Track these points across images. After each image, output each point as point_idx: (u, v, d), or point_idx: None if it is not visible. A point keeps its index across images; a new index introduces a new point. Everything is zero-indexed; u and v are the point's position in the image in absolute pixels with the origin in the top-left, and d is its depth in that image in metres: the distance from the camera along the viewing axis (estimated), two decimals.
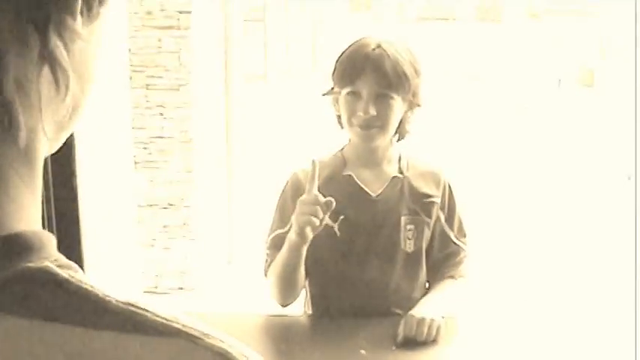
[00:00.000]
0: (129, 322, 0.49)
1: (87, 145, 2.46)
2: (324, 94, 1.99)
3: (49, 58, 0.50)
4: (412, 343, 1.78)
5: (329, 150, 2.07)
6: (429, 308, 1.88)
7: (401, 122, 1.96)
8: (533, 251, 5.71)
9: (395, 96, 1.87)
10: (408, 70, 1.88)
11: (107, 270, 3.28)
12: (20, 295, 0.48)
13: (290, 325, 1.98)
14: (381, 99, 1.87)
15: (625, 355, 1.76)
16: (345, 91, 1.90)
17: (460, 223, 2.07)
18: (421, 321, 1.80)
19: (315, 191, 1.78)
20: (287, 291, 1.95)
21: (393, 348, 1.76)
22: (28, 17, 0.48)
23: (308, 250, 1.84)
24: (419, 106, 1.97)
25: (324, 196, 1.91)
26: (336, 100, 1.96)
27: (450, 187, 2.04)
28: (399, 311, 1.93)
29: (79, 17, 0.51)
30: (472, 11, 21.63)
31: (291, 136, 10.42)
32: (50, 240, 0.53)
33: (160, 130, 4.42)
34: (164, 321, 0.49)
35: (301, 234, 1.76)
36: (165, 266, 4.54)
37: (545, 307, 4.52)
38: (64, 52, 0.50)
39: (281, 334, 1.95)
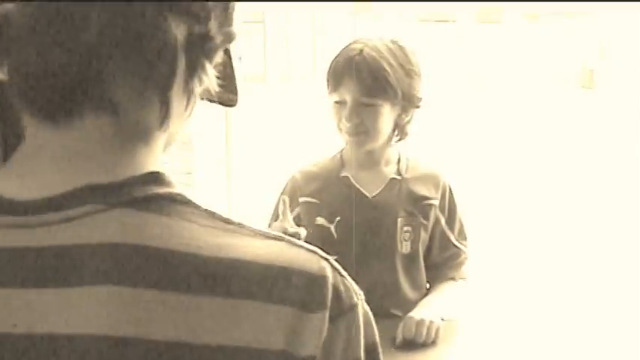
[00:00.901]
0: (241, 229, 0.67)
1: None
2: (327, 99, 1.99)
3: (188, 90, 0.70)
4: (411, 344, 1.78)
5: (328, 151, 2.08)
6: (428, 310, 1.88)
7: (397, 124, 1.95)
8: (534, 253, 5.71)
9: (380, 102, 1.87)
10: (393, 75, 1.87)
11: None
12: (162, 208, 0.65)
13: None
14: (366, 106, 1.87)
15: (628, 357, 1.76)
16: (332, 98, 1.91)
17: (461, 225, 2.07)
18: (420, 323, 1.80)
19: (286, 223, 1.77)
20: None
21: (392, 350, 1.76)
22: (186, 62, 0.68)
23: None
24: (417, 107, 1.96)
25: (323, 198, 1.92)
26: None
27: (450, 189, 2.04)
28: (397, 313, 1.93)
29: (207, 72, 0.71)
30: (472, 13, 21.63)
31: (290, 137, 10.42)
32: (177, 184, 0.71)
33: None
34: (266, 231, 0.68)
35: None
36: None
37: (545, 309, 4.52)
38: (199, 87, 0.70)
39: None
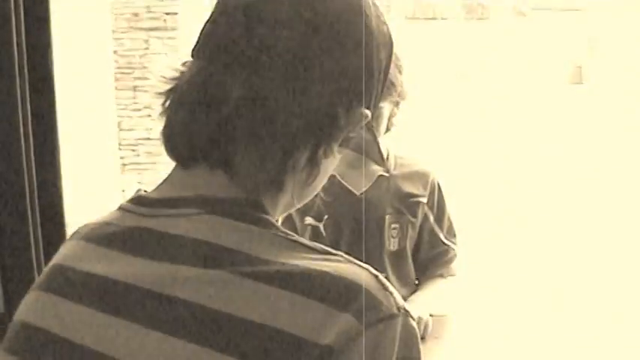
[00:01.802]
0: (308, 244, 0.77)
1: (72, 149, 2.46)
2: None
3: (312, 163, 0.81)
4: None
5: None
6: (416, 306, 1.88)
7: (389, 119, 1.96)
8: (522, 250, 5.72)
9: (383, 105, 1.88)
10: (394, 75, 1.87)
11: None
12: (254, 220, 0.77)
13: None
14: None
15: (618, 352, 1.77)
16: None
17: (450, 223, 2.07)
18: None
19: None
20: None
21: None
22: (314, 140, 0.80)
23: None
24: (403, 99, 1.97)
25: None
26: None
27: (438, 187, 2.04)
28: None
29: (336, 147, 0.82)
30: (459, 10, 21.64)
31: None
32: (274, 216, 0.82)
33: (147, 132, 4.42)
34: (322, 246, 0.77)
35: None
36: None
37: (535, 305, 4.53)
38: (322, 162, 0.81)
39: None
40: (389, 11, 21.35)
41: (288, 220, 2.00)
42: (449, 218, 2.07)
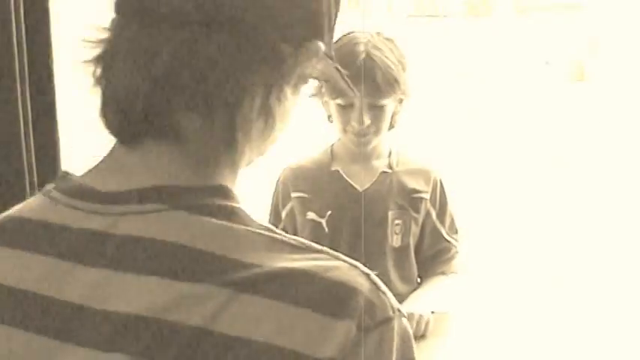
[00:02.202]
0: (298, 243, 0.70)
1: (72, 148, 2.46)
2: (310, 96, 1.98)
3: (265, 112, 0.74)
4: None
5: (320, 147, 2.07)
6: (418, 304, 1.88)
7: (392, 117, 1.96)
8: (524, 247, 5.72)
9: (387, 102, 1.88)
10: (398, 73, 1.87)
11: None
12: (226, 213, 0.70)
13: None
14: (374, 107, 1.86)
15: (618, 348, 1.77)
16: (336, 101, 1.89)
17: (452, 219, 2.07)
18: (410, 316, 1.80)
19: None
20: None
21: None
22: (258, 82, 0.72)
23: None
24: (407, 97, 1.97)
25: (314, 192, 1.93)
26: (325, 102, 1.95)
27: (440, 183, 2.04)
28: None
29: (290, 88, 0.76)
30: (461, 7, 21.64)
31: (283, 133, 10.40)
32: (239, 200, 0.74)
33: None
34: (315, 245, 0.71)
35: None
36: None
37: (536, 302, 4.53)
38: (276, 108, 0.75)
39: None
40: (390, 9, 21.35)
41: (290, 214, 2.00)
42: (451, 215, 2.07)
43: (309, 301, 0.64)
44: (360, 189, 1.97)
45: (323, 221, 1.94)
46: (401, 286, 2.00)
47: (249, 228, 0.70)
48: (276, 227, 1.96)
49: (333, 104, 1.91)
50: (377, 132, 1.90)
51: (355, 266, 0.69)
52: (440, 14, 21.84)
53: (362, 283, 0.67)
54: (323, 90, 1.91)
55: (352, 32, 1.93)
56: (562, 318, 1.96)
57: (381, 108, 1.87)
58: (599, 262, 5.25)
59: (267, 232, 0.70)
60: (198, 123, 0.71)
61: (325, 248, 0.70)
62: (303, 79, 0.78)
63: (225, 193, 0.72)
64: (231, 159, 0.75)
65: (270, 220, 2.03)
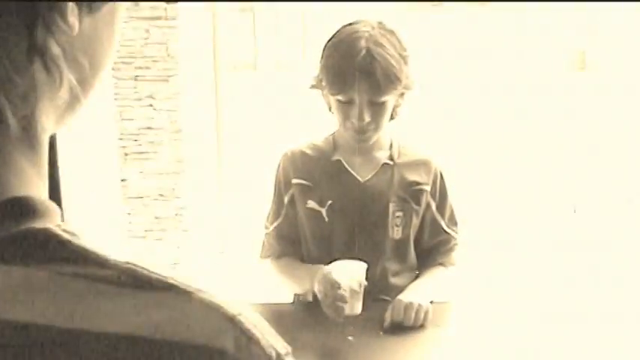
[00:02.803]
0: (127, 277, 0.52)
1: (70, 138, 2.46)
2: (311, 87, 1.97)
3: (39, 52, 0.53)
4: (400, 328, 1.79)
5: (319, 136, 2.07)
6: (417, 293, 1.88)
7: (394, 109, 1.95)
8: (525, 238, 5.72)
9: (388, 98, 1.87)
10: (399, 68, 1.85)
11: None
12: (22, 253, 0.51)
13: (278, 312, 1.99)
14: (375, 104, 1.85)
15: (621, 344, 1.77)
16: (336, 97, 1.88)
17: (451, 211, 2.07)
18: (409, 306, 1.81)
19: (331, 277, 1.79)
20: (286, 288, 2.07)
21: (381, 333, 1.77)
22: (17, 16, 0.52)
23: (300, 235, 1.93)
24: (410, 90, 1.96)
25: (315, 181, 1.92)
26: (325, 95, 1.94)
27: (441, 174, 2.04)
28: (386, 297, 1.93)
29: (72, 12, 0.54)
30: None
31: (281, 124, 10.40)
32: (56, 209, 0.56)
33: (149, 121, 4.41)
34: (159, 277, 0.53)
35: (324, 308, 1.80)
36: (157, 257, 4.55)
37: (536, 294, 4.54)
38: (56, 46, 0.54)
39: (269, 322, 1.95)
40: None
41: (292, 201, 1.98)
42: (451, 207, 2.07)
43: None
44: (361, 180, 1.97)
45: (323, 210, 1.93)
46: (400, 278, 2.00)
47: (64, 267, 0.51)
48: (279, 213, 1.98)
49: (333, 100, 1.90)
50: (377, 128, 1.89)
51: (217, 308, 0.52)
52: (440, 3, 21.77)
53: (226, 341, 0.51)
54: (323, 83, 1.90)
55: (353, 23, 1.92)
56: (562, 309, 1.95)
57: (382, 105, 1.86)
58: (603, 253, 5.25)
59: (92, 269, 0.52)
60: None
61: (183, 284, 0.53)
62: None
63: (26, 206, 0.53)
64: (18, 135, 0.55)
65: (273, 205, 2.03)
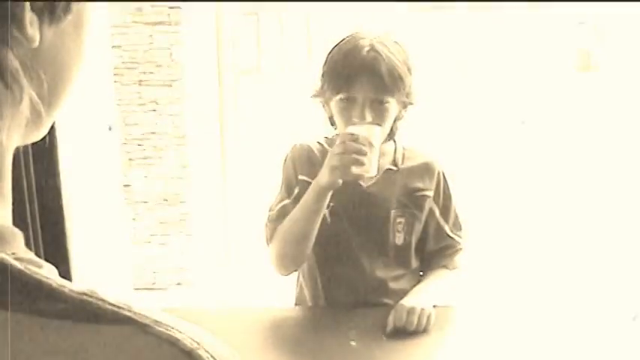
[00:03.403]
0: (80, 310, 0.49)
1: (72, 144, 2.46)
2: (312, 96, 1.96)
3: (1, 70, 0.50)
4: (402, 332, 1.78)
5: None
6: (419, 298, 1.87)
7: (395, 121, 1.94)
8: (529, 243, 5.71)
9: (390, 99, 1.85)
10: (403, 71, 1.84)
11: (100, 267, 3.28)
12: None
13: (281, 317, 1.98)
14: (377, 103, 1.83)
15: (623, 348, 1.76)
16: (338, 96, 1.86)
17: (456, 216, 2.05)
18: (411, 310, 1.80)
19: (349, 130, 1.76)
20: (296, 252, 1.91)
21: (384, 338, 1.77)
22: None
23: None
24: (412, 104, 1.95)
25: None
26: (326, 102, 1.93)
27: (444, 178, 2.02)
28: (388, 301, 1.93)
29: (32, 23, 0.51)
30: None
31: (285, 129, 10.41)
32: (14, 235, 0.53)
33: (153, 126, 4.42)
34: (115, 309, 0.50)
35: (336, 175, 1.74)
36: (162, 262, 4.55)
37: (539, 298, 4.53)
38: (14, 59, 0.51)
39: (272, 327, 1.95)
40: (393, 3, 21.28)
41: (297, 197, 1.96)
42: (455, 211, 2.05)
43: None
44: (364, 185, 1.96)
45: (326, 212, 1.92)
46: (402, 284, 1.99)
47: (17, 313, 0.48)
48: (288, 202, 1.92)
49: (334, 102, 1.88)
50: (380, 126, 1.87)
51: (171, 342, 0.50)
52: (443, 6, 21.76)
53: None
54: (325, 86, 1.89)
55: (359, 31, 1.92)
56: (564, 313, 1.95)
57: (384, 106, 1.84)
58: (607, 257, 5.24)
59: (41, 303, 0.49)
60: None
61: (133, 315, 0.50)
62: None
63: None
64: None
65: (281, 195, 1.99)
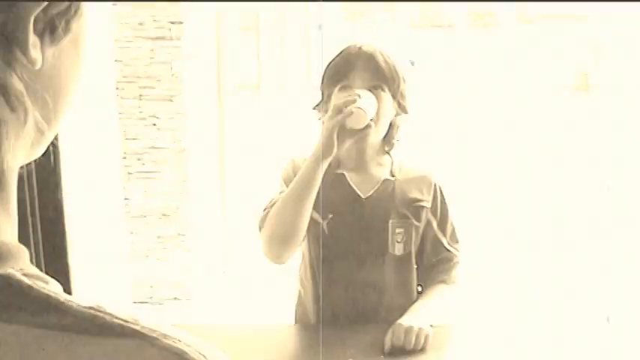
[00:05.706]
0: (88, 324, 0.50)
1: (73, 158, 2.47)
2: (314, 107, 1.99)
3: (1, 90, 0.50)
4: (400, 352, 1.78)
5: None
6: (417, 317, 1.88)
7: (390, 129, 1.96)
8: (528, 259, 5.71)
9: (385, 88, 1.89)
10: (397, 66, 1.92)
11: (99, 281, 3.28)
12: None
13: (280, 334, 1.98)
14: (373, 90, 1.86)
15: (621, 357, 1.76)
16: (337, 87, 1.90)
17: (453, 228, 2.06)
18: (409, 330, 1.80)
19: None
20: (286, 232, 1.86)
21: (382, 357, 1.77)
22: None
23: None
24: (406, 112, 1.98)
25: (317, 192, 1.90)
26: (328, 98, 1.95)
27: (441, 191, 2.03)
28: (387, 315, 1.93)
29: (34, 45, 0.52)
30: (465, 17, 21.66)
31: (284, 145, 10.41)
32: (20, 251, 0.54)
33: (153, 140, 4.43)
34: (123, 322, 0.51)
35: (331, 131, 1.76)
36: (159, 277, 4.54)
37: (537, 314, 4.52)
38: (18, 82, 0.51)
39: (271, 344, 1.95)
40: (393, 19, 21.36)
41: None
42: (452, 224, 2.07)
43: None
44: (363, 196, 1.97)
45: (324, 223, 1.93)
46: (401, 295, 1.99)
47: (20, 324, 0.49)
48: (279, 196, 1.92)
49: (334, 96, 1.89)
50: (374, 122, 1.85)
51: (178, 354, 0.51)
52: (444, 24, 21.84)
53: None
54: (324, 86, 1.93)
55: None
56: (565, 330, 1.95)
57: (380, 92, 1.88)
58: (604, 272, 5.24)
59: (53, 317, 0.50)
60: None
61: (141, 328, 0.52)
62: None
63: (5, 260, 0.52)
64: None
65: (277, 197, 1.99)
